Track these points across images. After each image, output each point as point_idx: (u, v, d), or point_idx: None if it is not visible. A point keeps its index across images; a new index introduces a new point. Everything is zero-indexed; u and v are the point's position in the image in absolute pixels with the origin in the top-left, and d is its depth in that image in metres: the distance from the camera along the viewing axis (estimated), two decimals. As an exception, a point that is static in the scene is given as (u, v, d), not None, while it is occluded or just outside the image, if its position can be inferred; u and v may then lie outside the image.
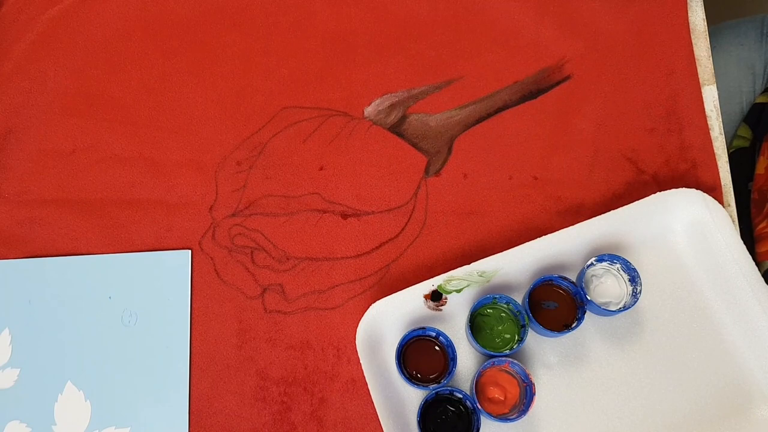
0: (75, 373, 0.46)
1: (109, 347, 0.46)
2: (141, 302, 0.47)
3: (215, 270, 0.48)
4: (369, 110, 0.50)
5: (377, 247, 0.48)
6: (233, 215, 0.48)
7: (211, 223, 0.48)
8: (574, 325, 0.43)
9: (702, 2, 0.52)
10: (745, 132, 0.73)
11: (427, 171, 0.49)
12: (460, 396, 0.42)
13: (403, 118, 0.50)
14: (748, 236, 0.57)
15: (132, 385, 0.46)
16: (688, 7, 0.51)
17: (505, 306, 0.44)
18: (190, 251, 0.48)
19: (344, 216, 0.48)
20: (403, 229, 0.48)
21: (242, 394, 0.45)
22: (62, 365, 0.46)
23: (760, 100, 0.72)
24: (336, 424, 0.45)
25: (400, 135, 0.50)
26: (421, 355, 0.44)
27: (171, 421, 0.45)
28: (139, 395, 0.45)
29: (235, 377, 0.46)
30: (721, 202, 0.47)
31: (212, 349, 0.46)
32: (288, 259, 0.48)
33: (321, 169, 0.49)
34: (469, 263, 0.44)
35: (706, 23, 0.51)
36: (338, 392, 0.45)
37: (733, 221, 0.48)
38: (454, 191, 0.49)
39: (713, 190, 0.47)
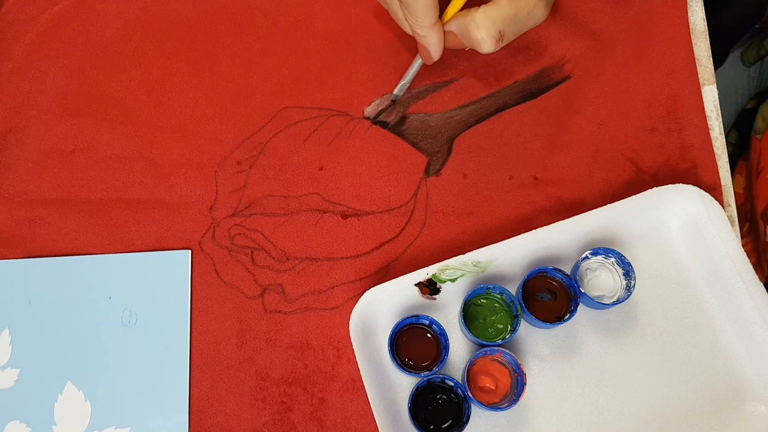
0: (75, 373, 0.46)
1: (109, 347, 0.46)
2: (141, 302, 0.47)
3: (215, 270, 0.48)
4: (369, 110, 0.50)
5: (377, 247, 0.48)
6: (233, 215, 0.49)
7: (211, 223, 0.48)
8: (567, 317, 0.43)
9: (702, 2, 0.52)
10: (735, 138, 0.73)
11: (427, 171, 0.49)
12: (452, 384, 0.42)
13: (403, 118, 0.50)
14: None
15: (132, 385, 0.46)
16: (688, 7, 0.51)
17: (498, 296, 0.45)
18: (190, 251, 0.48)
19: (344, 216, 0.48)
20: (403, 229, 0.48)
21: (242, 394, 0.45)
22: (62, 365, 0.46)
23: (750, 105, 0.72)
24: (336, 424, 0.45)
25: (400, 135, 0.50)
26: (414, 342, 0.44)
27: (171, 421, 0.45)
28: (139, 395, 0.45)
29: (235, 377, 0.46)
30: (720, 202, 0.47)
31: (212, 349, 0.46)
32: (288, 259, 0.48)
33: (321, 169, 0.49)
34: (467, 259, 0.44)
35: (706, 23, 0.51)
36: (338, 392, 0.45)
37: (732, 222, 0.48)
38: (454, 191, 0.49)
39: (713, 190, 0.47)
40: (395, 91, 0.49)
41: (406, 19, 0.42)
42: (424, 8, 0.40)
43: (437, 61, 0.49)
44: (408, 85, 0.49)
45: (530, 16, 0.41)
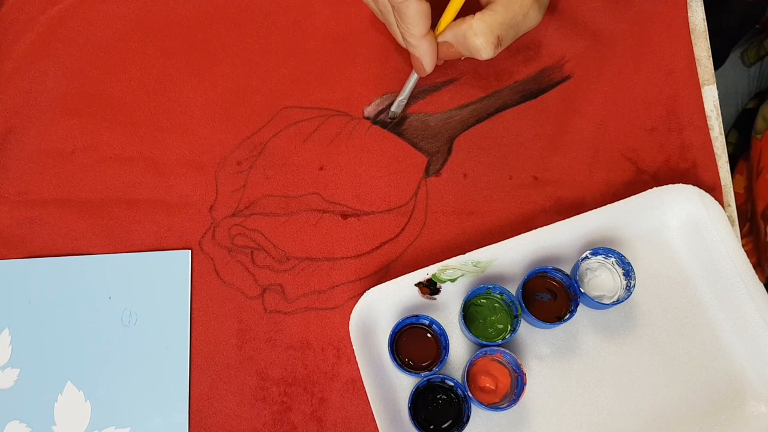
0: (75, 373, 0.46)
1: (109, 347, 0.46)
2: (141, 302, 0.47)
3: (215, 270, 0.48)
4: (369, 110, 0.50)
5: (377, 247, 0.48)
6: (233, 215, 0.49)
7: (211, 223, 0.48)
8: (567, 317, 0.43)
9: (702, 2, 0.52)
10: (735, 138, 0.73)
11: (427, 171, 0.49)
12: (452, 384, 0.42)
13: (403, 118, 0.50)
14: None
15: (132, 385, 0.46)
16: (688, 7, 0.51)
17: (498, 296, 0.45)
18: (190, 251, 0.48)
19: (344, 216, 0.48)
20: (403, 229, 0.48)
21: (242, 394, 0.45)
22: (62, 365, 0.46)
23: (750, 105, 0.72)
24: (336, 424, 0.45)
25: (400, 135, 0.50)
26: (414, 342, 0.44)
27: (171, 421, 0.45)
28: (139, 395, 0.45)
29: (235, 377, 0.46)
30: (720, 202, 0.47)
31: (212, 349, 0.46)
32: (288, 259, 0.48)
33: (321, 169, 0.49)
34: (467, 259, 0.44)
35: (706, 23, 0.51)
36: (338, 392, 0.45)
37: (732, 222, 0.48)
38: (454, 191, 0.49)
39: (713, 190, 0.47)
40: (393, 108, 0.49)
41: (398, 27, 0.42)
42: (416, 16, 0.40)
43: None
44: (405, 101, 0.49)
45: (525, 19, 0.42)
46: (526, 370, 0.43)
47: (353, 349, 0.43)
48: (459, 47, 0.43)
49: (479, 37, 0.41)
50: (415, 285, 0.44)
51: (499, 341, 0.43)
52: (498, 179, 0.49)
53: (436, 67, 0.50)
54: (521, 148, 0.49)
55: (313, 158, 0.50)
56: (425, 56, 0.43)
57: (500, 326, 0.44)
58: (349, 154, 0.49)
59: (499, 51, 0.42)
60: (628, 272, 0.44)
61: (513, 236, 0.44)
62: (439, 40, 0.43)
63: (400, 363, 0.43)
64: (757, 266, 0.65)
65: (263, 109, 0.51)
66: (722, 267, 0.45)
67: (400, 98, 0.48)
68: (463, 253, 0.44)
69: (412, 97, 0.50)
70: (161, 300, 0.47)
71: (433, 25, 0.43)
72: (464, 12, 0.43)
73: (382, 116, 0.50)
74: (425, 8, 0.40)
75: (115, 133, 0.50)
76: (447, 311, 0.46)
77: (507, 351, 0.42)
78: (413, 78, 0.47)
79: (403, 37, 0.43)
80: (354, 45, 0.52)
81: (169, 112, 0.51)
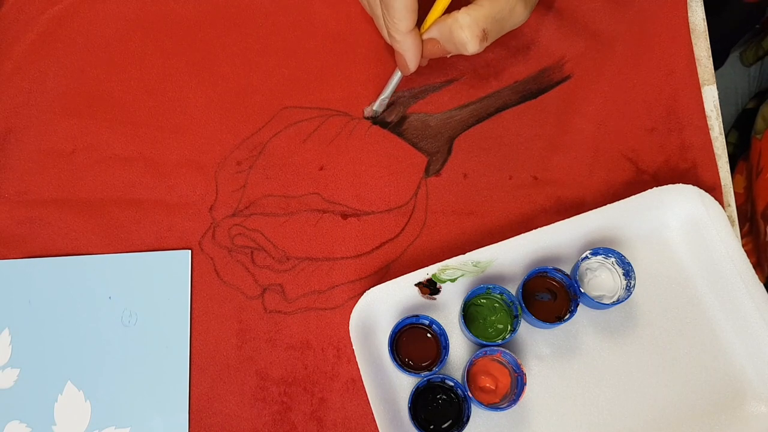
0: (75, 373, 0.46)
1: (108, 347, 0.46)
2: (141, 302, 0.47)
3: (215, 270, 0.48)
4: (369, 110, 0.50)
5: (377, 247, 0.48)
6: (233, 215, 0.49)
7: (211, 223, 0.48)
8: (567, 317, 0.43)
9: (702, 2, 0.52)
10: (735, 138, 0.73)
11: (427, 171, 0.49)
12: (452, 384, 0.42)
13: (403, 118, 0.50)
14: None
15: (132, 385, 0.46)
16: (688, 7, 0.51)
17: (498, 296, 0.45)
18: (190, 251, 0.48)
19: (344, 216, 0.48)
20: (403, 229, 0.48)
21: (242, 394, 0.45)
22: (62, 365, 0.46)
23: (750, 105, 0.72)
24: (336, 424, 0.45)
25: (400, 135, 0.50)
26: (414, 342, 0.44)
27: (171, 421, 0.45)
28: (139, 395, 0.45)
29: (235, 377, 0.46)
30: (720, 202, 0.47)
31: (212, 349, 0.46)
32: (288, 259, 0.48)
33: (321, 169, 0.49)
34: (467, 259, 0.44)
35: (706, 23, 0.51)
36: (338, 392, 0.45)
37: (732, 222, 0.48)
38: (454, 191, 0.49)
39: (713, 190, 0.47)
40: (375, 107, 0.49)
41: (384, 21, 0.42)
42: (403, 9, 0.40)
43: (438, 61, 0.49)
44: (387, 100, 0.49)
45: (511, 14, 0.41)
46: (526, 370, 0.43)
47: (353, 349, 0.43)
48: (445, 43, 0.43)
49: (465, 30, 0.41)
50: (415, 285, 0.44)
51: (499, 341, 0.43)
52: (498, 179, 0.49)
53: (437, 66, 0.50)
54: (521, 148, 0.49)
55: (313, 158, 0.50)
56: (409, 52, 0.43)
57: (500, 326, 0.44)
58: (349, 154, 0.49)
59: (485, 45, 0.42)
60: (628, 272, 0.44)
61: (513, 236, 0.44)
62: (425, 36, 0.43)
63: (400, 363, 0.43)
64: (757, 266, 0.65)
65: (263, 109, 0.51)
66: (722, 267, 0.45)
67: (382, 96, 0.48)
68: (463, 253, 0.44)
69: (412, 97, 0.50)
70: (161, 300, 0.47)
71: (420, 23, 0.43)
72: (451, 11, 0.43)
73: (367, 113, 0.50)
74: (412, 3, 0.40)
75: (115, 133, 0.50)
76: (447, 311, 0.46)
77: (507, 351, 0.42)
78: (396, 76, 0.47)
79: (388, 32, 0.43)
80: (354, 45, 0.52)
81: (169, 112, 0.51)
